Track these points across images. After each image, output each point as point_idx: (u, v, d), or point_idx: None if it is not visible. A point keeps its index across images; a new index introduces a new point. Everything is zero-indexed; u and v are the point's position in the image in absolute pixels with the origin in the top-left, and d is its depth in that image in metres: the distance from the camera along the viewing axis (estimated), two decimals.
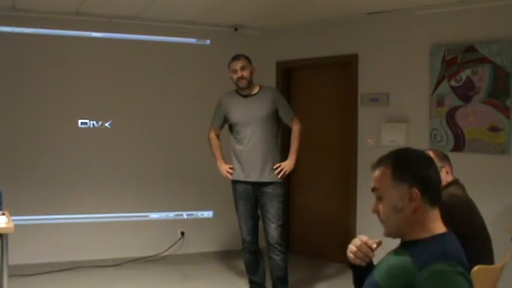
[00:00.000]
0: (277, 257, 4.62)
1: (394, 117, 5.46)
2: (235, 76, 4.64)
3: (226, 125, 4.83)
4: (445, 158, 3.00)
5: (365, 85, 5.69)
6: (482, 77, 4.81)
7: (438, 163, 2.93)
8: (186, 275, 5.59)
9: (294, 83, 6.49)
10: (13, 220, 3.82)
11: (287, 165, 4.63)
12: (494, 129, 4.76)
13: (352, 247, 1.97)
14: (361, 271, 2.00)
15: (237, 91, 4.74)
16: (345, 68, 5.89)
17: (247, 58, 4.71)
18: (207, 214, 6.34)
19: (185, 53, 6.22)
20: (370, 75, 5.64)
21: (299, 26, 6.15)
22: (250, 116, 4.61)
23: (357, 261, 1.97)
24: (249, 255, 4.76)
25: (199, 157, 6.11)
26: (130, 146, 6.01)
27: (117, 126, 5.95)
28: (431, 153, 3.00)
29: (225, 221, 6.25)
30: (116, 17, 5.81)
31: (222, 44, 6.31)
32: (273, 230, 4.59)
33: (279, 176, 4.60)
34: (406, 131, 5.35)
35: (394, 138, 5.41)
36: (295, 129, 4.70)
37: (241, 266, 5.73)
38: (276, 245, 4.59)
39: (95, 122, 5.88)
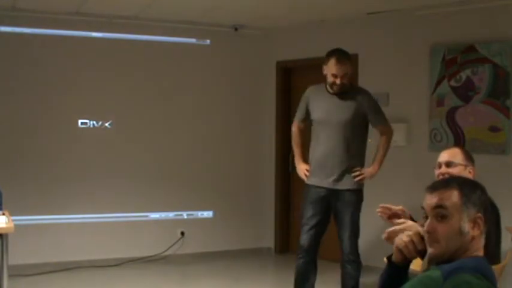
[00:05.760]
0: (350, 267, 4.19)
1: (394, 117, 5.43)
2: (331, 79, 4.14)
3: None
4: (470, 159, 3.01)
5: (365, 85, 5.66)
6: (482, 77, 4.81)
7: (463, 161, 2.94)
8: (186, 275, 5.59)
9: (294, 83, 6.48)
10: (13, 220, 3.82)
11: (367, 172, 4.20)
12: (494, 129, 4.76)
13: (403, 237, 1.93)
14: (396, 269, 1.97)
15: (325, 85, 4.27)
16: None
17: (350, 60, 4.21)
18: (207, 214, 6.33)
19: (185, 53, 6.22)
20: (370, 75, 5.64)
21: (299, 26, 6.15)
22: (333, 116, 4.16)
23: (403, 253, 1.92)
24: (302, 263, 4.28)
25: (199, 157, 6.12)
26: (130, 146, 6.01)
27: (117, 126, 5.94)
28: (459, 151, 3.00)
29: (225, 221, 6.26)
30: (116, 17, 5.81)
31: (222, 44, 6.31)
32: (347, 239, 4.17)
33: (356, 180, 4.14)
34: (406, 131, 5.35)
35: (394, 138, 5.36)
36: (383, 136, 4.32)
37: (242, 266, 5.75)
38: (348, 256, 4.17)
39: (95, 122, 5.88)
